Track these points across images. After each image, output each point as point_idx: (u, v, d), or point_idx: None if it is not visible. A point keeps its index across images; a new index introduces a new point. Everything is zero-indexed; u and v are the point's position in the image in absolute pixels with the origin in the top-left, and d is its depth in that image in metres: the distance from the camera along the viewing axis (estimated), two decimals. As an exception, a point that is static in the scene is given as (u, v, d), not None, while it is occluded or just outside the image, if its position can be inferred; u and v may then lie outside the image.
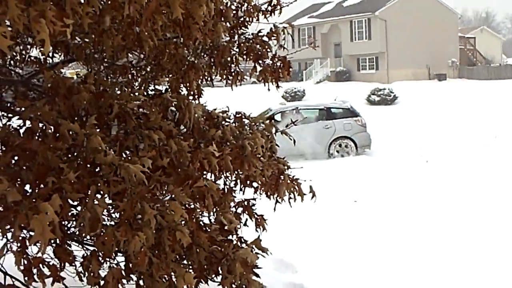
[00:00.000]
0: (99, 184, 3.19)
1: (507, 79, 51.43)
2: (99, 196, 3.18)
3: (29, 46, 5.39)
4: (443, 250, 8.00)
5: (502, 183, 12.58)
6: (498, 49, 77.62)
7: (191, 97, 5.16)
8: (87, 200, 3.08)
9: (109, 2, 3.41)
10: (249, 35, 5.45)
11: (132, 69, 5.51)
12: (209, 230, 3.68)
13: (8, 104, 4.42)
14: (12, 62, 5.40)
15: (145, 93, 4.58)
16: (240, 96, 30.45)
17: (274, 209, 4.80)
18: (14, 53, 5.32)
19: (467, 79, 56.66)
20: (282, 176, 4.70)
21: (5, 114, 4.00)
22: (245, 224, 4.52)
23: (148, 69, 5.52)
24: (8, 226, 3.05)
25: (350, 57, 59.80)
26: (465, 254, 7.81)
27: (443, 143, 20.80)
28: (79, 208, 3.24)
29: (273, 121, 4.99)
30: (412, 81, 53.63)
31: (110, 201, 3.27)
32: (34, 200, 2.95)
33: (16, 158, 3.36)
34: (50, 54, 5.06)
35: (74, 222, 3.49)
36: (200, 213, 3.74)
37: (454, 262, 7.44)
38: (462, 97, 40.10)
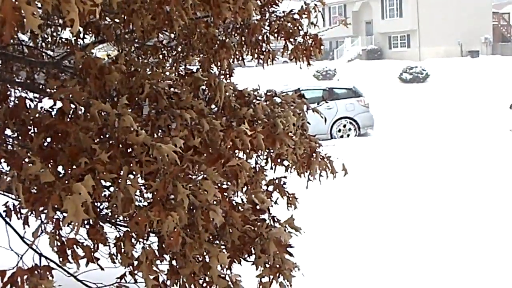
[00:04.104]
0: (131, 164, 3.18)
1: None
2: (131, 176, 3.17)
3: (59, 28, 5.41)
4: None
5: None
6: (533, 24, 76.28)
7: (222, 76, 5.13)
8: (119, 181, 3.07)
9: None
10: (280, 13, 5.39)
11: (163, 49, 5.50)
12: (242, 209, 3.66)
13: (41, 86, 4.43)
14: (43, 44, 5.43)
15: (176, 73, 4.56)
16: (271, 76, 30.42)
17: (307, 187, 4.79)
18: (46, 35, 5.34)
19: (501, 55, 55.75)
20: (314, 154, 4.66)
21: (37, 96, 4.01)
22: (275, 203, 4.49)
23: (179, 49, 5.50)
24: (42, 208, 3.05)
25: (382, 35, 59.24)
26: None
27: (472, 123, 20.41)
28: (111, 189, 3.23)
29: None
30: (444, 58, 53.00)
31: (143, 181, 3.26)
32: (67, 181, 2.95)
33: (48, 139, 3.36)
34: (81, 36, 5.08)
35: (107, 204, 3.49)
36: (233, 192, 3.71)
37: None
38: (495, 74, 39.56)
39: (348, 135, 19.52)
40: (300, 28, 5.38)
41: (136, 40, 5.17)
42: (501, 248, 7.27)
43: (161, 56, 5.51)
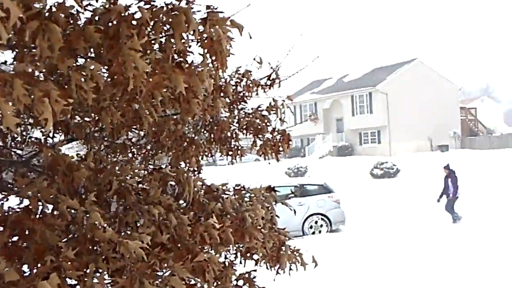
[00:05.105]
0: (98, 262, 3.16)
1: (509, 148, 51.54)
2: (98, 274, 3.14)
3: (29, 127, 5.44)
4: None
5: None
6: (500, 118, 78.30)
7: (190, 173, 5.16)
8: (86, 279, 3.05)
9: (112, 79, 3.45)
10: (248, 110, 5.48)
11: (132, 147, 5.53)
12: (210, 305, 3.63)
13: (9, 185, 4.42)
14: (12, 143, 5.43)
15: (145, 170, 4.59)
16: (243, 174, 30.55)
17: (274, 279, 4.80)
18: (15, 134, 5.36)
19: (470, 149, 56.75)
20: (283, 247, 4.67)
21: (4, 195, 3.99)
22: (246, 298, 4.46)
23: (148, 147, 5.54)
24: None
25: (352, 132, 60.11)
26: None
27: (442, 217, 20.52)
28: (78, 286, 3.19)
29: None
30: (415, 153, 53.78)
31: (109, 278, 3.23)
32: (32, 279, 2.91)
33: (14, 237, 3.33)
34: (51, 134, 5.10)
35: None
36: (199, 286, 3.68)
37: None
38: (464, 167, 40.11)
39: (320, 231, 19.55)
40: (268, 124, 5.46)
41: (106, 139, 5.21)
42: None
43: (130, 154, 5.53)
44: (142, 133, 5.25)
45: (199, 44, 3.37)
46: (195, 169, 5.20)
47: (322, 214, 19.76)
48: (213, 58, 3.41)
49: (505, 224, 17.86)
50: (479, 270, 11.19)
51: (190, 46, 3.49)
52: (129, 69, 2.94)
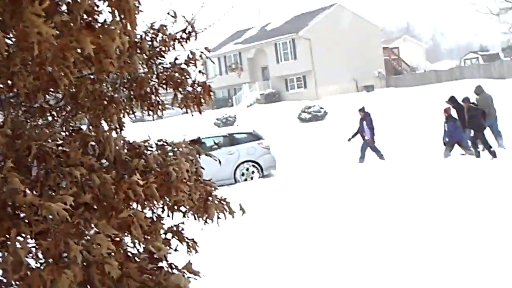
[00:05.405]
0: (20, 226, 3.15)
1: (432, 84, 52.78)
2: (21, 238, 3.14)
3: None
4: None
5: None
6: (422, 56, 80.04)
7: (113, 132, 5.13)
8: (8, 243, 3.04)
9: (17, 45, 3.39)
10: (167, 64, 5.46)
11: (51, 110, 5.45)
12: (138, 260, 3.67)
13: None
14: None
15: (66, 132, 4.55)
16: (172, 127, 30.38)
17: (202, 229, 4.94)
18: None
19: (394, 87, 57.85)
20: (210, 198, 4.73)
21: None
22: (175, 250, 4.50)
23: (68, 108, 5.47)
24: None
25: (278, 79, 60.32)
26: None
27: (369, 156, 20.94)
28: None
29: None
30: (341, 95, 54.47)
31: (33, 242, 3.23)
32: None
33: None
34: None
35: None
36: (131, 243, 3.72)
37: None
38: (389, 105, 40.94)
39: (252, 178, 19.77)
40: (188, 77, 5.46)
41: (23, 104, 5.11)
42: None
43: (51, 118, 5.45)
44: (60, 95, 5.17)
45: (106, 3, 3.34)
46: (117, 127, 5.18)
47: (253, 161, 19.94)
48: (122, 16, 3.39)
49: (427, 158, 18.43)
50: (406, 205, 11.51)
51: (98, 6, 3.45)
52: (32, 35, 2.90)
